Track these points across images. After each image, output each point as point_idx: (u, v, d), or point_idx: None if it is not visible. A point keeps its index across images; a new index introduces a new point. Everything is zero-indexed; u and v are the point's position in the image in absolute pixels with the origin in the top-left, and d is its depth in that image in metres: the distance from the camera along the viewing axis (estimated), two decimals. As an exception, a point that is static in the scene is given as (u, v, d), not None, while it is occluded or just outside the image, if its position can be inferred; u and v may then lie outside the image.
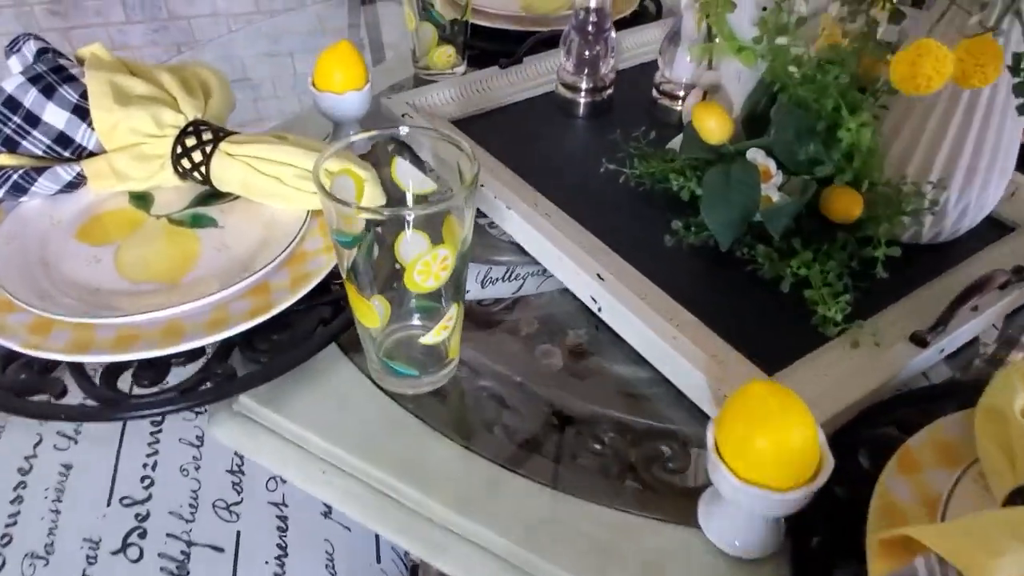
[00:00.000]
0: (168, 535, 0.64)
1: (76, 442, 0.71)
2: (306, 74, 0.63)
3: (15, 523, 0.65)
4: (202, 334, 0.44)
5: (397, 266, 0.37)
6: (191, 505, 0.66)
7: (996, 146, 0.48)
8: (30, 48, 0.56)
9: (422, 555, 0.38)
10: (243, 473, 0.67)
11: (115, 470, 0.69)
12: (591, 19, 0.65)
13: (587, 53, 0.67)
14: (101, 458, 0.69)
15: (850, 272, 0.48)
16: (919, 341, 0.44)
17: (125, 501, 0.66)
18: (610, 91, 0.69)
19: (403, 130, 0.40)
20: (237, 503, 0.65)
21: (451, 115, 0.68)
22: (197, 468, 0.68)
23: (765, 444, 0.31)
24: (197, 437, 0.70)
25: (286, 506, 0.65)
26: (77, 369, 0.44)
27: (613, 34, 0.67)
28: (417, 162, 0.45)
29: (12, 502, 0.66)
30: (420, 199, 0.42)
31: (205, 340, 0.44)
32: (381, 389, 0.45)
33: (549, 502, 0.39)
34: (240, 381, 0.43)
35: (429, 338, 0.41)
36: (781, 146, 0.49)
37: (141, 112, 0.51)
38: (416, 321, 0.43)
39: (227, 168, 0.51)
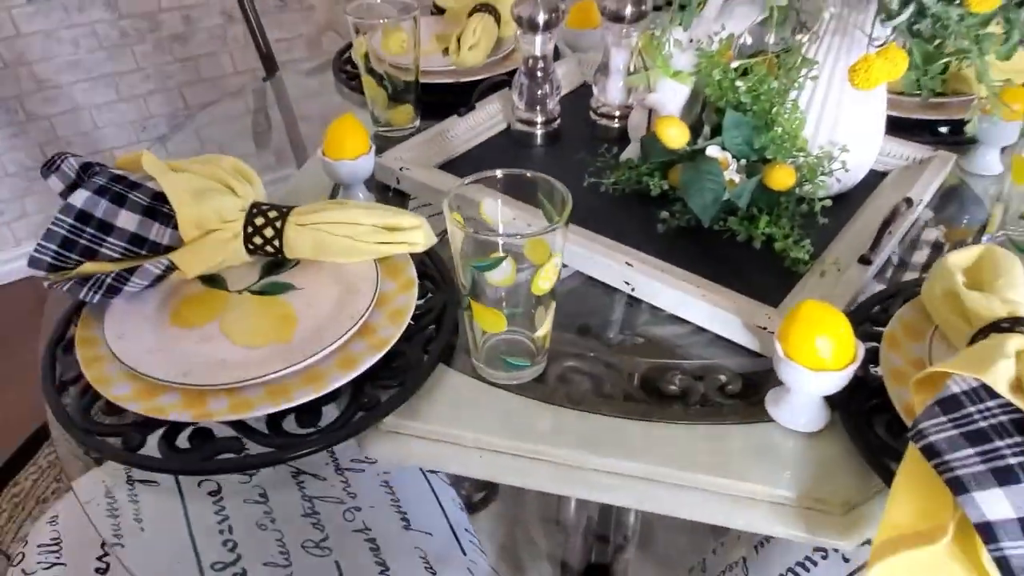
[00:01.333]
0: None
1: (143, 530, 0.74)
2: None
3: (113, 616, 0.67)
4: (339, 375, 0.52)
5: (515, 275, 0.48)
6: (282, 552, 0.72)
7: (871, 119, 0.66)
8: (70, 165, 0.60)
9: (581, 495, 0.49)
10: (318, 513, 0.74)
11: (193, 542, 0.73)
12: (539, 65, 0.79)
13: (538, 93, 0.80)
14: (173, 537, 0.73)
15: (800, 225, 0.64)
16: (865, 261, 0.61)
17: (217, 566, 0.71)
18: (558, 121, 0.83)
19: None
20: (324, 539, 0.72)
21: (434, 162, 0.79)
22: (272, 520, 0.74)
23: (824, 340, 0.46)
24: (260, 495, 0.75)
25: (369, 530, 0.73)
26: (241, 427, 0.50)
27: (556, 74, 0.81)
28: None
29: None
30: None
31: (347, 378, 0.52)
32: (487, 383, 0.55)
33: (655, 432, 0.51)
34: (385, 405, 0.52)
35: (540, 332, 0.52)
36: (732, 142, 0.65)
37: (214, 203, 0.58)
38: (515, 327, 0.54)
39: (299, 237, 0.59)
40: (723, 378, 0.55)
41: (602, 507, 0.85)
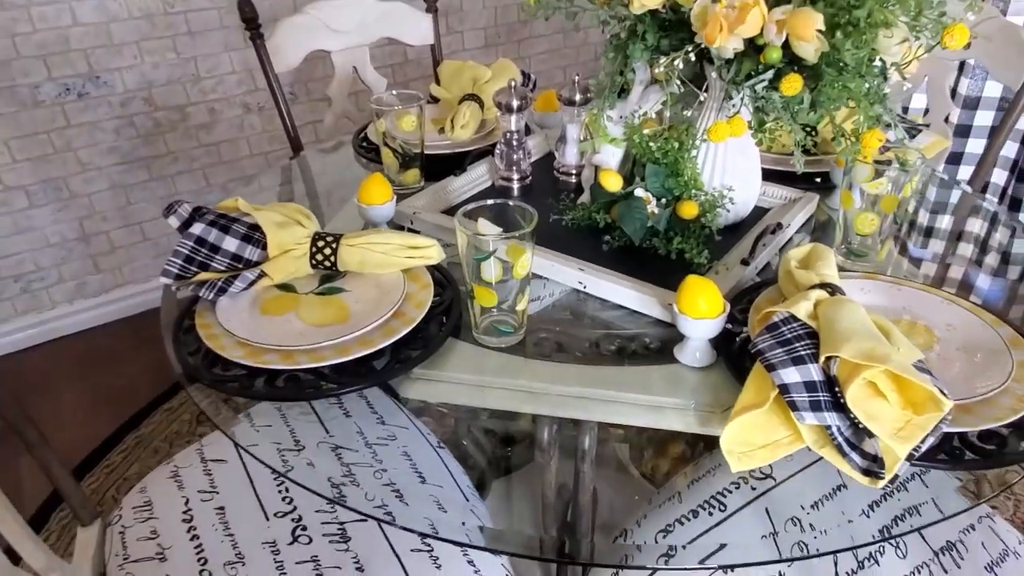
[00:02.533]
0: (323, 523, 0.91)
1: (218, 492, 0.96)
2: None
3: (202, 549, 0.89)
4: (383, 340, 0.76)
5: (502, 267, 0.74)
6: (328, 503, 0.93)
7: (749, 169, 0.94)
8: (185, 209, 0.86)
9: (554, 412, 0.73)
10: (353, 475, 0.96)
11: (258, 499, 0.95)
12: (514, 137, 1.07)
13: (514, 157, 1.08)
14: (242, 496, 0.95)
15: (703, 241, 0.91)
16: (745, 263, 0.87)
17: (278, 514, 0.93)
18: (530, 178, 1.11)
19: (489, 202, 0.77)
20: (376, 498, 0.94)
21: (438, 209, 1.05)
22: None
23: (702, 299, 0.72)
24: (308, 463, 0.98)
25: (394, 483, 0.95)
26: (317, 374, 0.74)
27: (529, 144, 1.09)
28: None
29: (192, 539, 0.89)
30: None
31: (388, 342, 0.76)
32: (483, 347, 0.79)
33: (600, 371, 0.76)
34: (414, 360, 0.76)
35: (521, 306, 0.77)
36: (652, 186, 0.92)
37: (290, 232, 0.83)
38: (503, 308, 0.79)
39: (349, 254, 0.84)
40: (647, 340, 0.81)
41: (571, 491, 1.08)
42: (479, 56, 2.48)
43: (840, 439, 0.60)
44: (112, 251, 2.07)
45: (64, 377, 1.92)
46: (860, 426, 0.59)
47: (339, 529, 0.90)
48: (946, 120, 1.39)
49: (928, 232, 1.17)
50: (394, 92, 1.12)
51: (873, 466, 0.58)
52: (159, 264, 2.10)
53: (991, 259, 1.10)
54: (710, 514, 0.88)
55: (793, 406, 0.60)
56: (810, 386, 0.61)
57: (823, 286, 0.72)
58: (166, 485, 0.98)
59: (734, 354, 0.75)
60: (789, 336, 0.65)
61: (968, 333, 0.76)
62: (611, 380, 0.76)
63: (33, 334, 2.02)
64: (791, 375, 0.61)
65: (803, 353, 0.63)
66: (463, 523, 0.89)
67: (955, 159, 2.12)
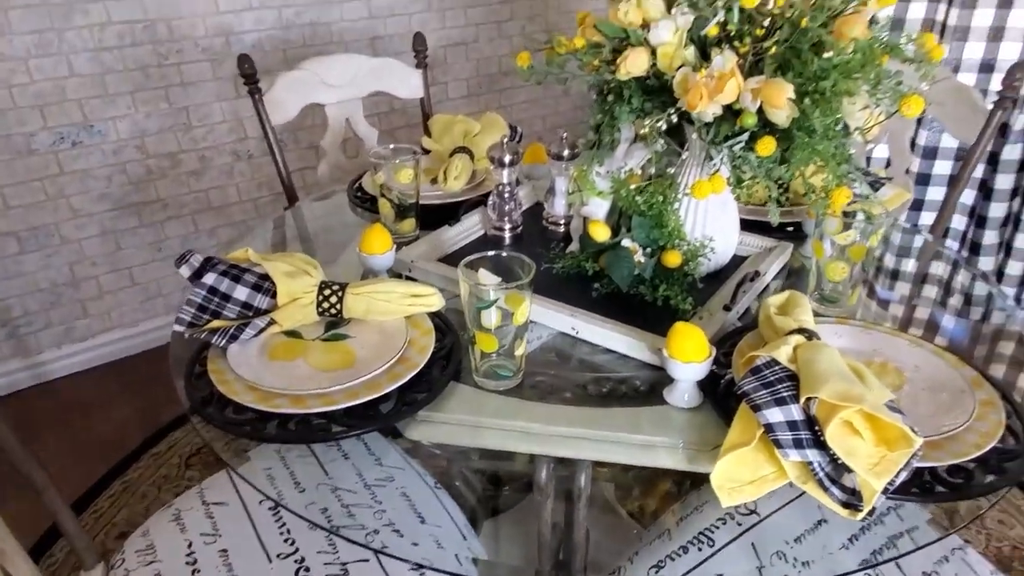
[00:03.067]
0: (325, 563, 0.94)
1: (220, 535, 0.98)
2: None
3: (205, 589, 0.90)
4: (389, 384, 0.80)
5: (503, 315, 0.78)
6: (329, 543, 0.96)
7: (728, 220, 1.01)
8: (196, 259, 0.90)
9: (551, 452, 0.77)
10: (354, 516, 0.98)
11: (260, 541, 0.97)
12: (506, 189, 1.13)
13: (506, 208, 1.14)
14: (244, 538, 0.97)
15: (686, 288, 0.97)
16: (727, 309, 0.93)
17: (281, 555, 0.95)
18: (520, 227, 1.16)
19: (490, 253, 0.82)
20: (374, 531, 0.96)
21: (434, 257, 1.10)
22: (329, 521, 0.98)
23: (690, 344, 0.77)
24: (300, 486, 1.00)
25: (394, 523, 0.98)
26: (327, 417, 0.78)
27: (518, 196, 1.15)
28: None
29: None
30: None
31: (394, 386, 0.80)
32: (483, 390, 0.84)
33: (593, 413, 0.80)
34: (419, 403, 0.80)
35: (519, 351, 0.82)
36: (638, 236, 0.98)
37: (299, 281, 0.88)
38: (501, 353, 0.83)
39: (355, 302, 0.89)
40: (637, 382, 0.86)
41: (563, 525, 1.11)
42: (462, 105, 2.57)
43: (821, 474, 0.65)
44: (100, 296, 2.08)
45: (51, 422, 1.91)
46: (839, 462, 0.64)
47: (341, 570, 0.93)
48: (907, 172, 1.49)
49: (894, 275, 1.25)
50: (391, 146, 1.17)
51: (852, 499, 0.63)
52: (146, 308, 2.12)
53: (954, 301, 1.17)
54: (699, 550, 0.92)
55: (778, 444, 0.65)
56: (792, 425, 0.66)
57: (800, 331, 0.78)
58: (168, 528, 1.00)
59: (720, 395, 0.81)
60: (772, 379, 0.70)
61: (933, 374, 0.82)
62: (604, 420, 0.80)
63: (20, 379, 2.01)
64: (775, 415, 0.67)
65: (785, 395, 0.68)
66: (456, 555, 0.93)
67: (917, 206, 2.23)
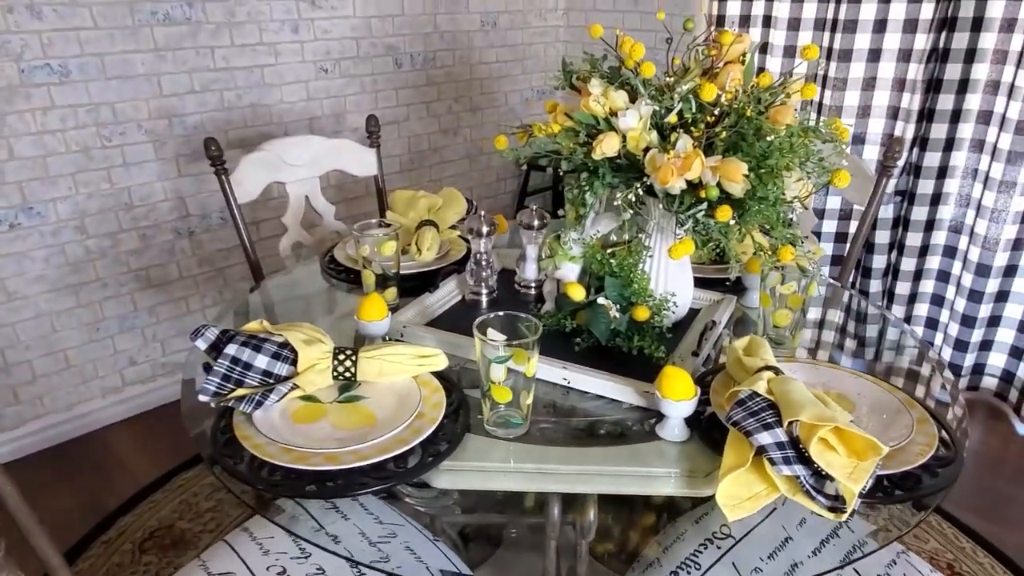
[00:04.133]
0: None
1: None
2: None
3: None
4: (413, 438, 0.88)
5: (513, 369, 0.88)
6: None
7: (685, 278, 1.16)
8: (212, 332, 0.95)
9: (566, 488, 0.86)
10: (364, 573, 1.03)
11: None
12: (483, 257, 1.24)
13: (483, 275, 1.24)
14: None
15: (657, 340, 1.10)
16: (695, 354, 1.06)
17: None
18: (496, 291, 1.27)
19: (501, 313, 0.92)
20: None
21: (423, 321, 1.19)
22: None
23: (679, 385, 0.89)
24: (318, 568, 1.04)
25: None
26: (360, 472, 0.84)
27: (494, 263, 1.26)
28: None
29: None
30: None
31: (418, 440, 0.87)
32: (495, 438, 0.92)
33: (594, 451, 0.90)
34: (443, 454, 0.87)
35: (528, 400, 0.91)
36: (611, 294, 1.11)
37: (315, 348, 0.94)
38: (510, 404, 0.92)
39: (368, 364, 0.96)
40: (629, 423, 0.97)
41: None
42: (397, 180, 2.68)
43: (808, 486, 0.77)
44: (34, 380, 2.00)
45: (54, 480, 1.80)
46: (822, 474, 0.77)
47: (362, 622, 0.96)
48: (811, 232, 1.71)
49: (820, 323, 1.43)
50: (373, 221, 1.26)
51: (836, 504, 0.76)
52: (81, 391, 2.06)
53: (860, 336, 1.36)
54: (688, 573, 1.02)
55: (772, 462, 0.77)
56: (780, 446, 0.79)
57: (768, 368, 0.92)
58: (180, 595, 1.00)
59: (704, 428, 0.93)
60: (756, 408, 0.83)
61: (874, 399, 0.97)
62: (607, 457, 0.90)
63: (-59, 475, 1.89)
64: (765, 438, 0.79)
65: (770, 420, 0.81)
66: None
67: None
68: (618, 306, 1.11)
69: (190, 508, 1.83)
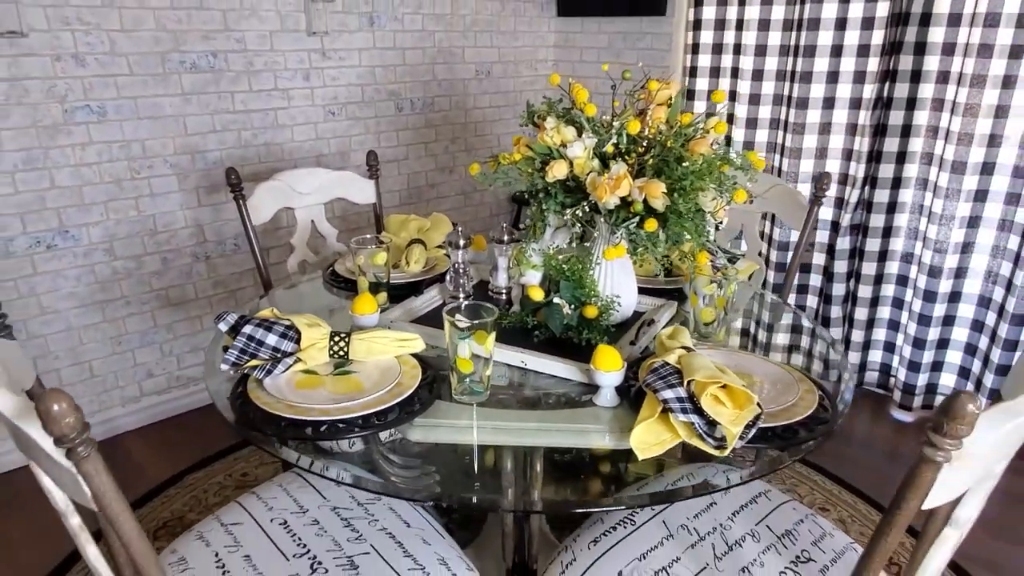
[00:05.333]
0: (334, 558, 1.16)
1: (241, 546, 1.18)
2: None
3: (237, 583, 1.11)
4: (392, 400, 1.08)
5: (475, 347, 1.09)
6: (335, 544, 1.19)
7: (629, 282, 1.37)
8: (232, 317, 1.17)
9: (517, 442, 1.06)
10: (352, 524, 1.22)
11: (276, 547, 1.18)
12: (461, 266, 1.46)
13: (460, 282, 1.46)
14: (262, 546, 1.18)
15: (603, 333, 1.31)
16: (632, 343, 1.27)
17: (296, 555, 1.17)
18: (472, 296, 1.49)
19: (466, 303, 1.14)
20: (359, 536, 1.20)
21: (408, 319, 1.40)
22: (324, 530, 1.21)
23: (608, 358, 1.10)
24: (313, 520, 1.23)
25: (389, 529, 1.22)
26: (349, 423, 1.04)
27: (470, 272, 1.48)
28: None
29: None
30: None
31: (396, 400, 1.08)
32: (461, 403, 1.13)
33: (542, 414, 1.11)
34: (416, 412, 1.08)
35: (488, 372, 1.12)
36: (566, 295, 1.32)
37: (316, 331, 1.16)
38: (474, 375, 1.13)
39: (359, 345, 1.17)
40: (572, 395, 1.17)
41: (518, 534, 1.38)
42: (396, 211, 2.91)
43: (701, 431, 0.97)
44: (60, 388, 2.21)
45: (10, 509, 1.99)
46: (711, 420, 0.97)
47: (348, 560, 1.15)
48: (759, 254, 1.93)
49: (757, 323, 1.64)
50: (368, 236, 1.49)
51: (721, 443, 0.96)
52: (103, 400, 2.27)
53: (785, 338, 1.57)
54: (625, 527, 1.21)
55: (671, 411, 0.98)
56: (680, 399, 0.99)
57: (683, 347, 1.12)
58: (195, 545, 1.19)
59: (632, 398, 1.13)
60: (664, 373, 1.04)
61: (772, 374, 1.18)
62: (551, 418, 1.11)
63: (-24, 470, 2.09)
64: (668, 394, 1.00)
65: (674, 381, 1.02)
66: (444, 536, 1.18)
67: (777, 288, 2.71)
68: (571, 305, 1.32)
69: (199, 503, 2.02)
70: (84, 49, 2.04)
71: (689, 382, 1.00)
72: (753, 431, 0.98)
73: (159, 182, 2.27)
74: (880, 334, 2.68)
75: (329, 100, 2.60)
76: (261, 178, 1.88)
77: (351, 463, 1.01)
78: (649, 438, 1.00)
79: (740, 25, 2.68)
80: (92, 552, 0.92)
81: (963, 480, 0.75)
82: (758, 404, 0.98)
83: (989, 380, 2.33)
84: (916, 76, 2.37)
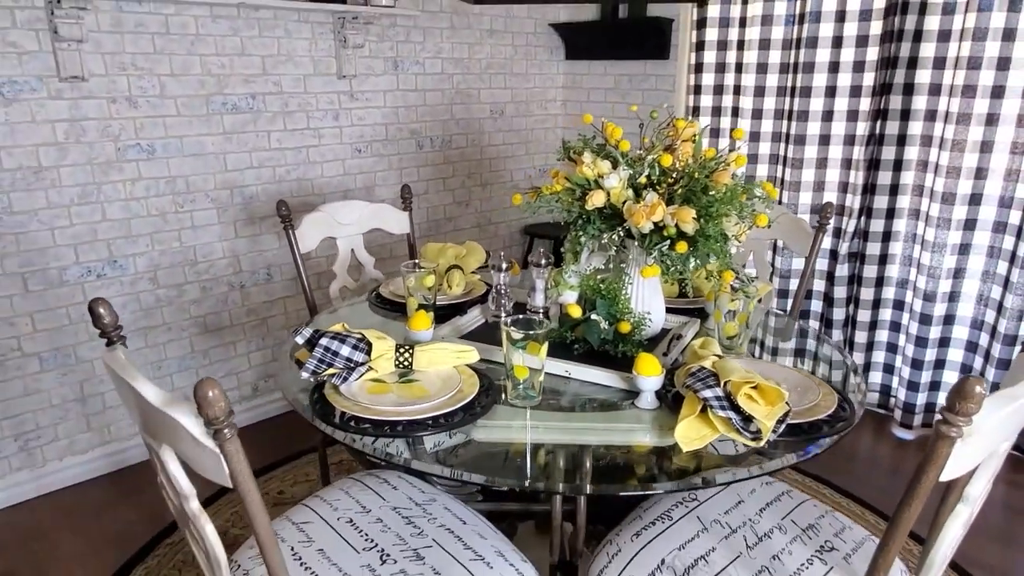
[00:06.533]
0: (401, 551, 1.27)
1: (313, 541, 1.29)
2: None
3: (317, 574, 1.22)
4: (455, 404, 1.21)
5: (527, 359, 1.22)
6: (399, 539, 1.30)
7: (658, 300, 1.51)
8: (307, 331, 1.29)
9: (569, 440, 1.18)
10: (413, 522, 1.33)
11: (346, 541, 1.29)
12: (503, 288, 1.59)
13: (503, 302, 1.59)
14: (333, 541, 1.29)
15: (636, 346, 1.44)
16: (665, 355, 1.41)
17: (366, 548, 1.28)
18: (512, 316, 1.62)
19: (520, 317, 1.27)
20: (420, 532, 1.31)
21: (457, 336, 1.53)
22: (388, 528, 1.32)
23: (650, 364, 1.23)
24: (378, 519, 1.34)
25: (446, 524, 1.33)
26: (419, 423, 1.16)
27: (511, 294, 1.61)
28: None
29: (306, 570, 1.22)
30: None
31: (459, 405, 1.20)
32: (516, 407, 1.25)
33: (591, 416, 1.23)
34: (478, 414, 1.20)
35: (540, 379, 1.25)
36: (601, 312, 1.46)
37: (384, 343, 1.28)
38: (527, 382, 1.26)
39: (421, 355, 1.30)
40: (614, 400, 1.30)
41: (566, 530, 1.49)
42: (418, 243, 3.06)
43: (737, 425, 1.10)
44: (103, 411, 2.31)
45: (60, 526, 2.08)
46: (746, 416, 1.10)
47: (413, 552, 1.26)
48: (770, 278, 2.07)
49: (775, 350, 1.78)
50: (416, 262, 1.62)
51: (757, 435, 1.09)
52: (143, 423, 2.36)
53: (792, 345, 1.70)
54: (663, 523, 1.33)
55: (711, 408, 1.11)
56: (718, 398, 1.12)
57: (714, 355, 1.26)
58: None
59: (670, 401, 1.26)
60: (702, 376, 1.17)
61: (796, 381, 1.31)
62: (599, 419, 1.23)
63: (27, 489, 2.18)
64: (707, 393, 1.13)
65: (711, 383, 1.15)
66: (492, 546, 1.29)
67: (782, 308, 2.86)
68: (607, 321, 1.46)
69: (240, 519, 2.11)
70: (137, 92, 2.19)
71: (725, 383, 1.13)
72: (783, 426, 1.11)
73: (200, 215, 2.40)
74: (879, 356, 2.82)
75: (356, 138, 2.75)
76: (295, 212, 2.02)
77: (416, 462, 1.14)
78: (691, 433, 1.13)
79: (739, 68, 2.87)
80: (210, 529, 1.02)
81: (973, 456, 0.88)
82: (786, 402, 1.11)
83: (984, 397, 2.46)
84: (906, 115, 2.55)
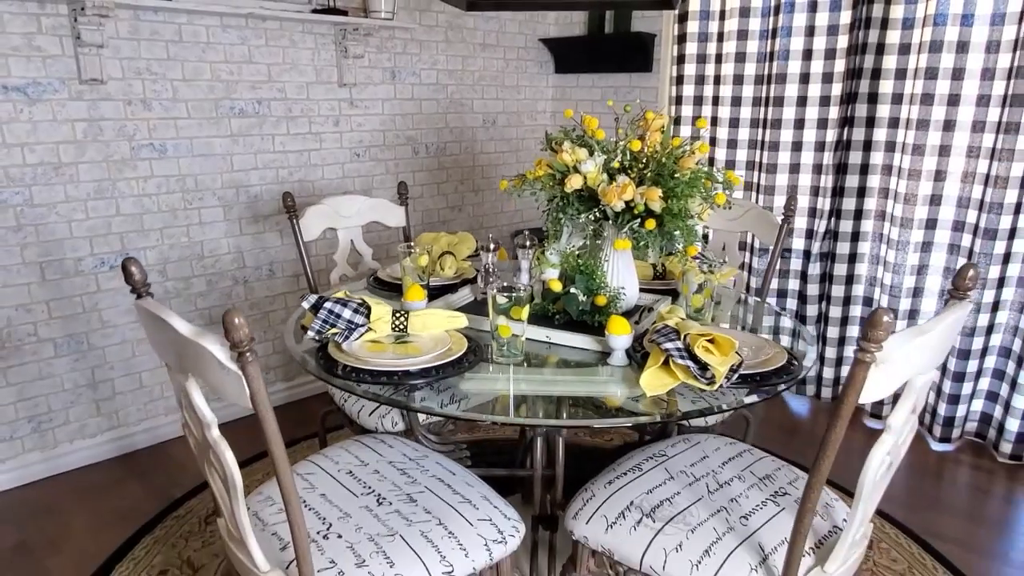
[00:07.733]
0: (396, 495, 1.40)
1: (315, 488, 1.42)
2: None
3: (319, 513, 1.34)
4: (444, 359, 1.35)
5: (511, 315, 1.36)
6: (395, 484, 1.43)
7: (631, 276, 1.66)
8: (312, 298, 1.43)
9: (548, 392, 1.32)
10: (407, 473, 1.46)
11: (345, 487, 1.42)
12: (491, 267, 1.74)
13: (490, 280, 1.74)
14: (334, 488, 1.42)
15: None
16: (636, 323, 1.55)
17: (363, 493, 1.41)
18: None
19: (504, 284, 1.41)
20: (413, 481, 1.44)
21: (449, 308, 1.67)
22: (383, 477, 1.46)
23: (619, 325, 1.37)
24: (375, 471, 1.47)
25: (438, 476, 1.46)
26: (410, 374, 1.30)
27: (499, 273, 1.76)
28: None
29: (308, 509, 1.35)
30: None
31: (447, 360, 1.34)
32: (500, 364, 1.39)
33: (569, 372, 1.37)
34: (463, 368, 1.34)
35: (522, 338, 1.39)
36: (580, 286, 1.60)
37: (382, 307, 1.43)
38: (511, 342, 1.40)
39: (416, 320, 1.44)
40: (590, 361, 1.44)
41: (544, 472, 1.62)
42: (420, 231, 3.21)
43: (695, 372, 1.24)
44: (112, 397, 2.44)
45: (71, 503, 2.19)
46: (703, 364, 1.24)
47: (406, 495, 1.39)
48: (740, 266, 2.22)
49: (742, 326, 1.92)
50: (411, 243, 1.77)
51: (711, 380, 1.23)
52: (149, 409, 2.49)
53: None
54: (634, 473, 1.47)
55: (672, 357, 1.25)
56: (679, 349, 1.26)
57: (678, 318, 1.40)
58: (277, 489, 1.43)
59: (638, 361, 1.40)
60: (666, 331, 1.31)
61: (752, 341, 1.46)
62: (576, 375, 1.37)
63: (39, 469, 2.29)
64: (669, 345, 1.27)
65: (673, 337, 1.29)
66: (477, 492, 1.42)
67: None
68: (585, 294, 1.60)
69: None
70: (151, 95, 2.34)
71: (685, 336, 1.28)
72: (735, 375, 1.25)
73: (207, 212, 2.55)
74: (850, 351, 2.97)
75: (355, 144, 2.91)
76: (298, 207, 2.17)
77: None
78: (655, 381, 1.27)
79: (717, 80, 3.05)
80: (229, 456, 1.15)
81: (888, 382, 1.03)
82: (737, 352, 1.26)
83: (947, 386, 2.61)
84: (871, 121, 2.72)
